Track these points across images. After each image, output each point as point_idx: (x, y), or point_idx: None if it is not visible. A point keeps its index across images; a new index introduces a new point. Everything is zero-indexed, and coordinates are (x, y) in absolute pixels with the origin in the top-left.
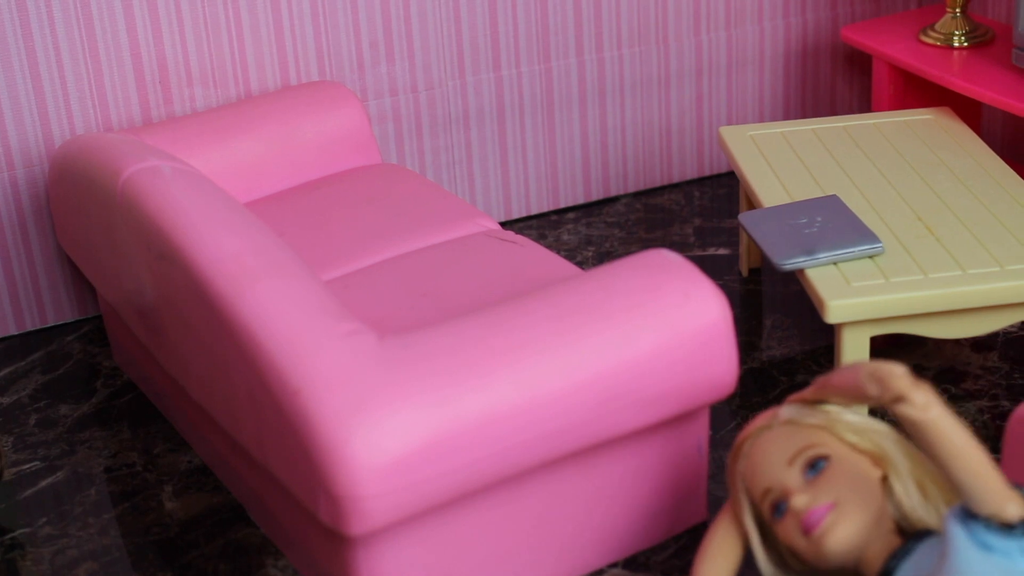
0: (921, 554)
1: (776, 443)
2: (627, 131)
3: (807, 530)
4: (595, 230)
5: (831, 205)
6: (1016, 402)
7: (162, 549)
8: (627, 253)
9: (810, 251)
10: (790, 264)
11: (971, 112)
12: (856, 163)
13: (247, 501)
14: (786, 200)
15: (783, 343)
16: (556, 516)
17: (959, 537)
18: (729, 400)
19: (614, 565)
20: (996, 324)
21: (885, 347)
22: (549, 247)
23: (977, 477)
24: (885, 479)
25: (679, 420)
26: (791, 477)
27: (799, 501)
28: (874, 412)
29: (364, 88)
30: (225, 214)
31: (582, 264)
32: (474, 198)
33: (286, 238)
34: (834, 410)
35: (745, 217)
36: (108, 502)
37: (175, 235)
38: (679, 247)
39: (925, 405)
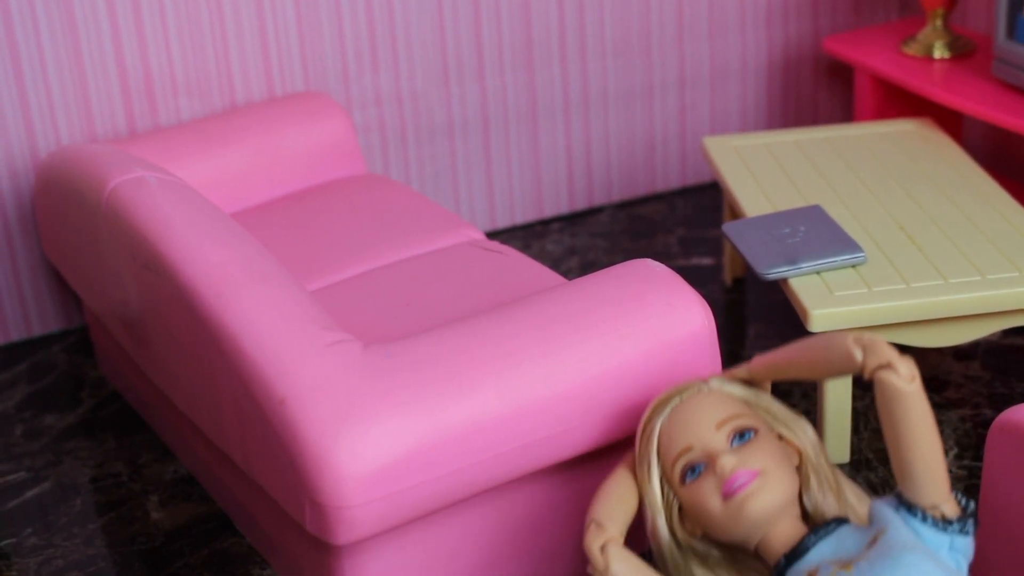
0: (841, 536)
1: (706, 406)
2: (611, 142)
3: (730, 493)
4: (579, 240)
5: (814, 215)
6: (998, 410)
7: (147, 559)
8: (611, 263)
9: (793, 261)
10: (773, 274)
11: (952, 123)
12: (838, 173)
13: (233, 511)
14: (769, 210)
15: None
16: (540, 525)
17: (894, 521)
18: None
19: None
20: (977, 333)
21: None
22: (534, 257)
23: (930, 464)
24: (799, 468)
25: None
26: (717, 440)
27: (728, 462)
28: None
29: (349, 98)
30: (210, 225)
31: (566, 274)
32: (459, 208)
33: (271, 248)
34: (761, 393)
35: (729, 227)
36: (94, 512)
37: (160, 245)
38: (663, 257)
39: (910, 376)
